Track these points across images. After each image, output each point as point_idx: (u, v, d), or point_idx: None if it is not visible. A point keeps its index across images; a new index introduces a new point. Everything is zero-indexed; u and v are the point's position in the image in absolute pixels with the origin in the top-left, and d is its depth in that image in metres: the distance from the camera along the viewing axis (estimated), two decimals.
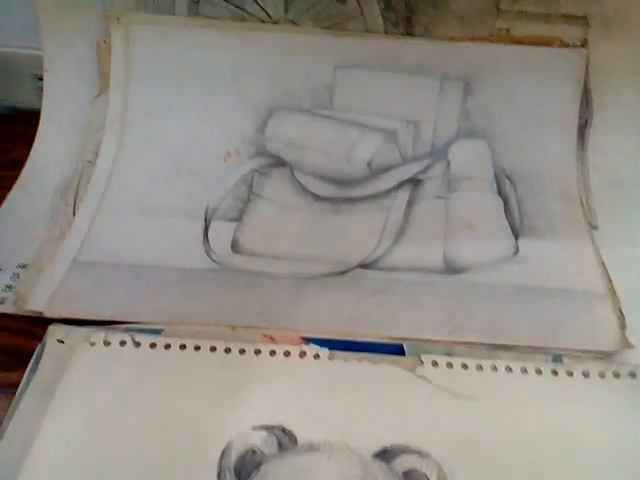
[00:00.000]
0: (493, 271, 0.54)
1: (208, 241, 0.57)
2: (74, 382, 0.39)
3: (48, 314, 0.48)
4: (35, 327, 0.49)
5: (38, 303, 0.49)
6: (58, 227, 0.58)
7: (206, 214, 0.59)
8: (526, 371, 0.45)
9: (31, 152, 0.63)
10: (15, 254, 0.55)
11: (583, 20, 0.60)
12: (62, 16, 0.63)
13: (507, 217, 0.59)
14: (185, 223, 0.58)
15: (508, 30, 0.60)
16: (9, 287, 0.52)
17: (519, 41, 0.60)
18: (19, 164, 0.63)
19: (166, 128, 0.63)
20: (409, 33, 0.61)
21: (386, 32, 0.61)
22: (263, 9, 0.61)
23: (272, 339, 0.46)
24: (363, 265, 0.55)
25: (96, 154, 0.63)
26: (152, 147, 0.63)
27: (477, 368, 0.44)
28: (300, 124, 0.62)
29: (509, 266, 0.55)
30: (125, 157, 0.62)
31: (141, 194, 0.60)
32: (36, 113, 0.65)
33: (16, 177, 0.58)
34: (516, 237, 0.58)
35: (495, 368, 0.45)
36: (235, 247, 0.57)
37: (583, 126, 0.62)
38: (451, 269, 0.54)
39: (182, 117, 0.63)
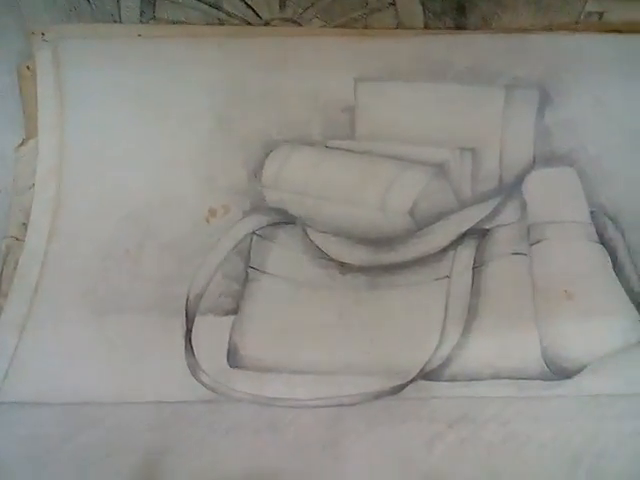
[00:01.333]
0: (618, 370, 0.40)
1: (193, 351, 0.41)
2: None
3: None
4: None
5: None
6: None
7: (187, 307, 0.43)
8: None
9: None
10: None
11: None
12: None
13: (619, 277, 0.44)
14: (157, 323, 0.44)
15: (601, 15, 0.48)
16: None
17: (616, 29, 0.48)
18: None
19: (121, 181, 0.50)
20: (460, 27, 0.48)
21: (427, 27, 0.48)
22: (249, 6, 0.46)
23: None
24: (426, 375, 0.41)
25: (25, 226, 0.48)
26: (103, 210, 0.49)
27: None
28: (310, 163, 0.49)
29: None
30: (65, 228, 0.49)
31: (92, 281, 0.46)
32: None
33: None
34: (639, 310, 0.43)
35: None
36: (233, 358, 0.43)
37: None
38: (557, 372, 0.41)
39: (143, 164, 0.50)
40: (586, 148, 0.49)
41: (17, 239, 0.49)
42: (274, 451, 0.37)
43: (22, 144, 0.52)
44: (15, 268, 0.47)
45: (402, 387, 0.40)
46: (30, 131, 0.52)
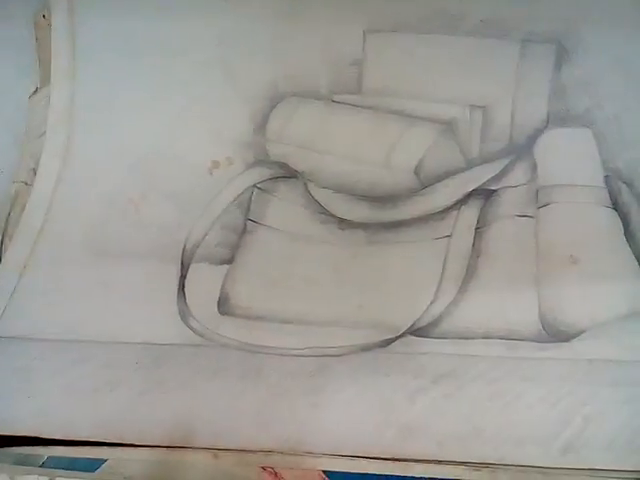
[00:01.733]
0: (619, 337, 0.38)
1: (185, 297, 0.41)
2: None
3: None
4: None
5: None
6: None
7: (183, 255, 0.42)
8: None
9: None
10: None
11: None
12: None
13: (630, 243, 0.42)
14: (153, 269, 0.44)
15: None
16: None
17: None
18: None
19: (129, 131, 0.50)
20: None
21: None
22: None
23: (277, 477, 0.29)
24: (416, 330, 0.40)
25: (34, 172, 0.49)
26: (110, 159, 0.49)
27: None
28: (316, 118, 0.48)
29: None
30: (73, 175, 0.49)
31: (93, 227, 0.47)
32: None
33: None
34: None
35: None
36: (224, 306, 0.42)
37: None
38: (553, 335, 0.39)
39: (150, 115, 0.50)
40: (604, 108, 0.46)
41: (26, 184, 0.50)
42: (255, 395, 0.36)
43: (35, 92, 0.52)
44: (22, 211, 0.48)
45: (390, 341, 0.39)
46: (44, 80, 0.52)
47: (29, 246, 0.46)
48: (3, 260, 0.46)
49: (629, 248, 0.42)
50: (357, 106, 0.48)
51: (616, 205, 0.44)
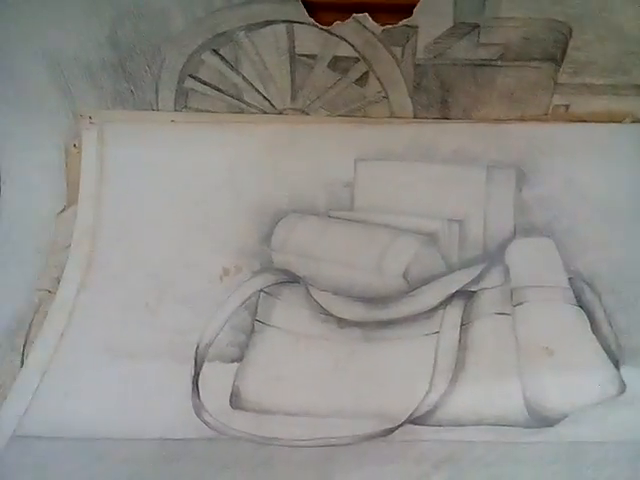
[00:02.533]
0: (597, 420, 0.40)
1: (198, 394, 0.42)
2: None
3: None
4: None
5: None
6: None
7: (197, 354, 0.45)
8: None
9: None
10: None
11: None
12: (22, 116, 0.53)
13: (597, 336, 0.45)
14: (169, 368, 0.45)
15: (567, 107, 0.51)
16: None
17: (581, 119, 0.51)
18: None
19: (147, 244, 0.53)
20: (445, 117, 0.52)
21: (416, 116, 0.52)
22: (266, 98, 0.51)
23: None
24: (414, 420, 0.41)
25: (58, 281, 0.50)
26: (129, 268, 0.52)
27: None
28: (314, 230, 0.52)
29: (617, 411, 0.41)
30: (94, 283, 0.51)
31: (112, 331, 0.48)
32: None
33: None
34: (616, 366, 0.43)
35: None
36: (235, 401, 0.43)
37: None
38: (539, 420, 0.41)
39: (167, 229, 0.53)
40: (561, 220, 0.51)
41: (49, 292, 0.52)
42: None
43: (63, 210, 0.55)
44: (45, 317, 0.49)
45: (391, 430, 0.40)
46: (71, 199, 0.56)
47: (51, 350, 0.47)
48: (25, 363, 0.47)
49: (597, 341, 0.46)
50: (350, 220, 0.53)
51: (581, 303, 0.48)
